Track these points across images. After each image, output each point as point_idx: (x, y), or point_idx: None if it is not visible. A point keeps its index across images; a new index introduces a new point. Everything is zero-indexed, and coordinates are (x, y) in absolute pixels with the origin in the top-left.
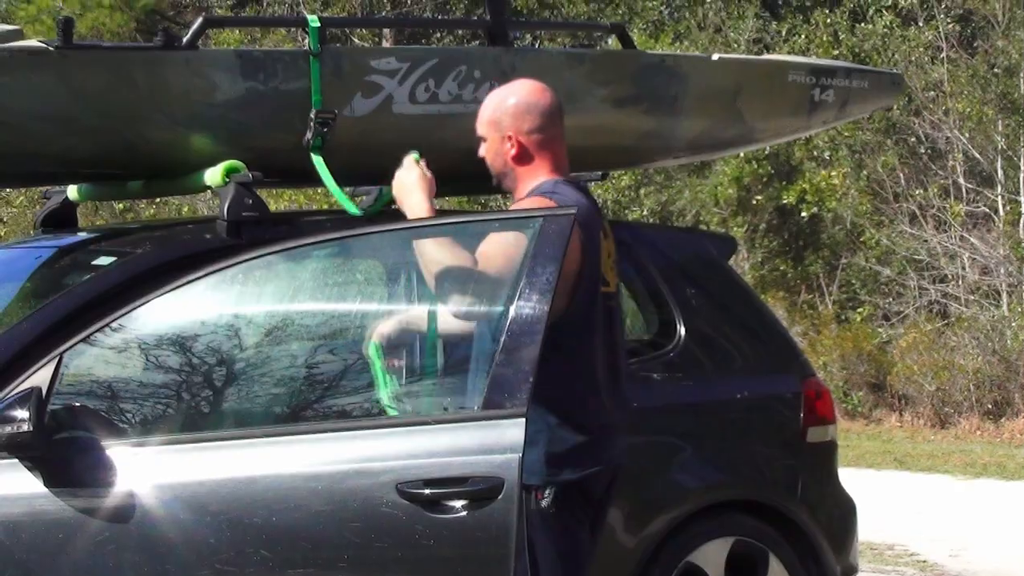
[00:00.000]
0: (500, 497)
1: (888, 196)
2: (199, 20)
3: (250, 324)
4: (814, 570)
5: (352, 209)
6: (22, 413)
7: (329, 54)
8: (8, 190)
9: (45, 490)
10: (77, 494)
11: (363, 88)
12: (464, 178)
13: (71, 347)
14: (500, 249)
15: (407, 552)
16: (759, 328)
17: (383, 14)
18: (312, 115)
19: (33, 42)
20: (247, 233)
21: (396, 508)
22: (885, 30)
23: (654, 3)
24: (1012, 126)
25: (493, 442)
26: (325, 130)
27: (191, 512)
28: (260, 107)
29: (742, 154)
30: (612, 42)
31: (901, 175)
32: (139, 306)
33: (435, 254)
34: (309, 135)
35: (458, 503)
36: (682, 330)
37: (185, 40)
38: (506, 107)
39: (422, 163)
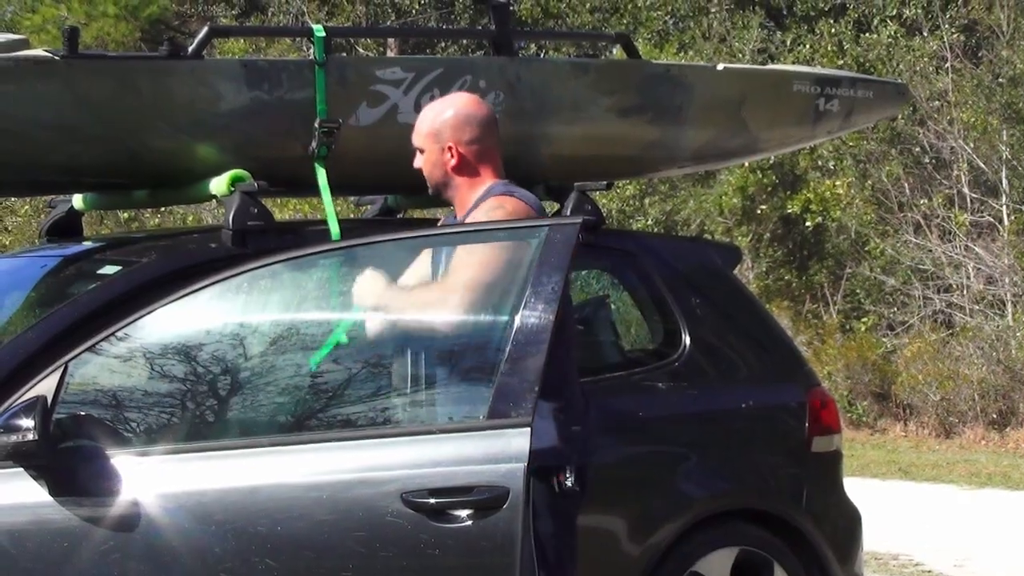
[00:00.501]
0: (505, 506)
1: (893, 206)
2: (204, 30)
3: (255, 333)
4: None
5: (335, 231)
6: (27, 422)
7: (334, 64)
8: (13, 199)
9: (50, 499)
10: (82, 503)
11: (368, 98)
12: None
13: (76, 356)
14: (476, 260)
15: (412, 561)
16: (764, 338)
17: (388, 24)
18: (317, 125)
19: (39, 51)
20: (252, 242)
21: (401, 517)
22: (890, 40)
23: (659, 13)
24: (1017, 136)
25: (498, 451)
26: (330, 140)
27: (196, 521)
28: (265, 117)
29: (747, 164)
30: (617, 52)
31: (906, 185)
32: (144, 315)
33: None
34: (314, 145)
35: (463, 512)
36: (687, 339)
37: (190, 50)
38: (445, 119)
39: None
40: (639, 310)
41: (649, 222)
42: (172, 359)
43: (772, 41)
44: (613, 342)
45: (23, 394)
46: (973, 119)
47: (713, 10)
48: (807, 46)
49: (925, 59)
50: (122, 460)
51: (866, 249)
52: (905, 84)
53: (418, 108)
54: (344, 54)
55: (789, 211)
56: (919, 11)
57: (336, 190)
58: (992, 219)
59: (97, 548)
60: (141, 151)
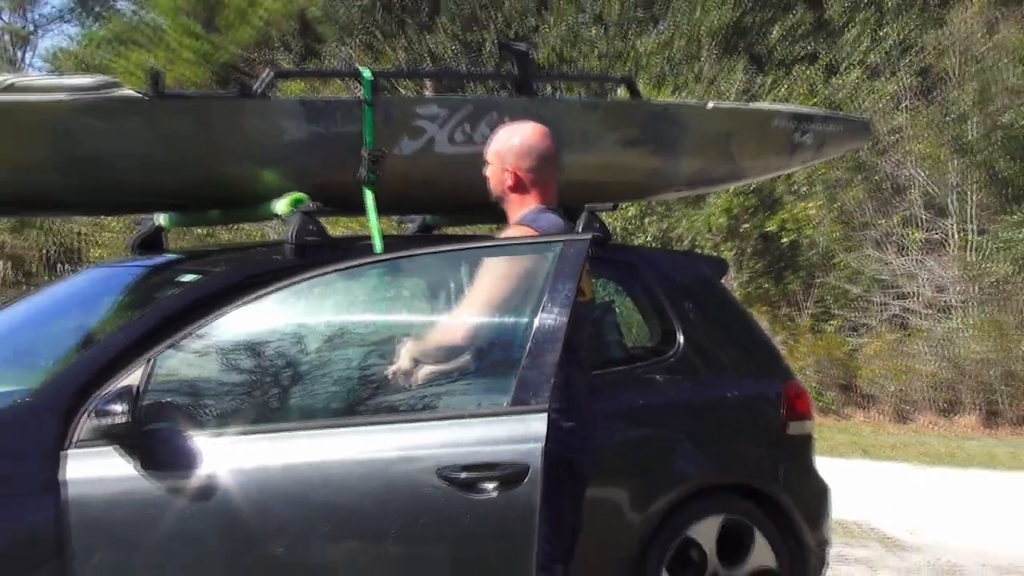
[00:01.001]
0: (526, 480)
1: (856, 225)
2: (269, 72)
3: (312, 332)
4: (793, 543)
5: (378, 246)
6: (120, 407)
7: (380, 102)
8: (106, 218)
9: (138, 473)
10: (165, 476)
11: (409, 131)
12: (494, 208)
13: (161, 352)
14: (502, 270)
15: (445, 527)
16: (747, 337)
17: (425, 67)
18: (365, 154)
19: (128, 91)
20: (310, 255)
21: (437, 489)
22: (855, 82)
23: (657, 59)
24: (963, 165)
25: (520, 433)
26: (376, 167)
27: (261, 492)
28: (321, 148)
29: (732, 188)
30: (622, 92)
31: (868, 207)
32: (218, 317)
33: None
34: (363, 171)
35: (490, 485)
36: (681, 339)
37: (257, 90)
38: (511, 144)
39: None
40: (640, 313)
41: (648, 238)
42: (241, 354)
43: (754, 83)
44: (618, 341)
45: (116, 383)
46: (926, 151)
47: (703, 56)
48: (784, 87)
49: (885, 99)
50: (199, 440)
51: (833, 262)
52: (868, 120)
53: (452, 140)
54: (388, 94)
55: (768, 229)
56: (881, 58)
57: (381, 210)
58: (941, 236)
59: (178, 515)
60: (215, 177)
